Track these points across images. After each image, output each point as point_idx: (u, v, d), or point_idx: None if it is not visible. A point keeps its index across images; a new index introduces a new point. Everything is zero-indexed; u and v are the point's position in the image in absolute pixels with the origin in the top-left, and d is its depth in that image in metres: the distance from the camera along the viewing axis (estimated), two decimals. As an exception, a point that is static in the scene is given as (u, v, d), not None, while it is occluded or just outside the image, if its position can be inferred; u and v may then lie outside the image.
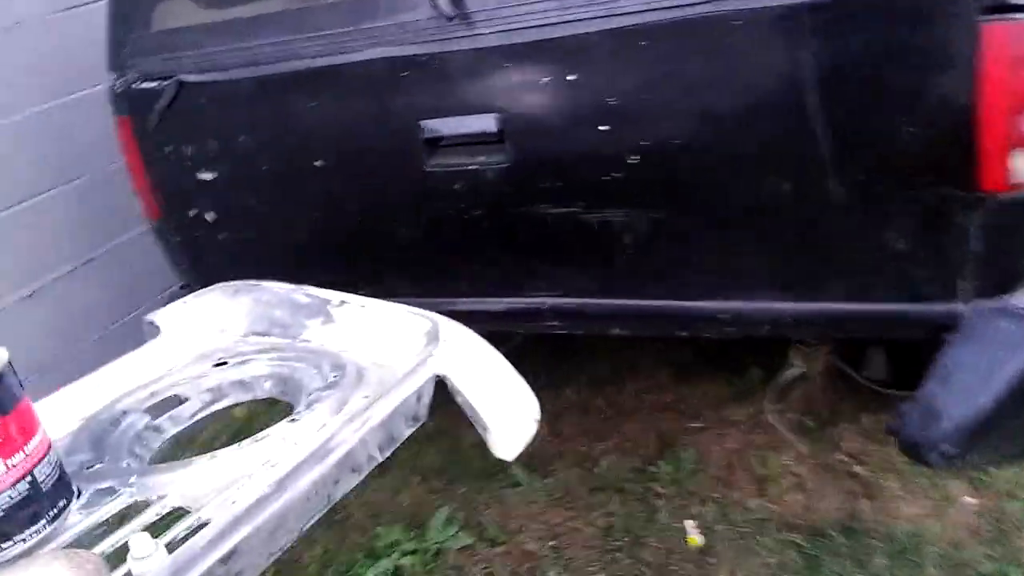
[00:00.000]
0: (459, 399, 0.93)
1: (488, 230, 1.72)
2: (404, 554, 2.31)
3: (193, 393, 1.09)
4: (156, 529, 0.80)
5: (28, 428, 0.78)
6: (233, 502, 0.80)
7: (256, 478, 0.83)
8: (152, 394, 1.07)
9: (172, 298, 2.30)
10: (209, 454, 0.87)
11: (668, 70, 1.52)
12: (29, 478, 0.77)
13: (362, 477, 0.83)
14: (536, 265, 1.73)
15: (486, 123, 1.60)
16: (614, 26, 1.52)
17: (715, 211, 1.58)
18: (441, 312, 1.86)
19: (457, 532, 2.35)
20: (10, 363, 0.80)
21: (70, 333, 2.72)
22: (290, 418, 0.92)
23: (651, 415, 2.64)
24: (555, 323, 1.75)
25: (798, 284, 1.58)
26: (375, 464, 0.85)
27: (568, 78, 1.56)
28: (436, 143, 1.67)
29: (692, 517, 2.22)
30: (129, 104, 1.98)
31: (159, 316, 1.19)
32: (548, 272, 1.72)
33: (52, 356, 2.70)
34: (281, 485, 0.77)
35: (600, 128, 1.55)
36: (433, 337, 1.00)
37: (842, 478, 2.22)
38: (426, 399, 0.91)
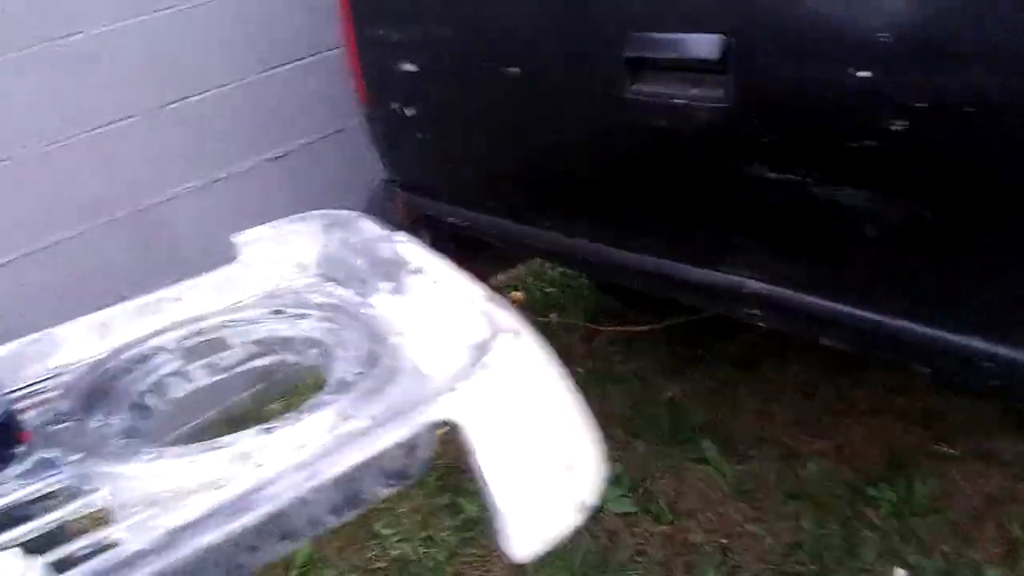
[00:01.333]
0: (471, 460, 0.67)
1: (687, 183, 1.36)
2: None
3: (239, 341, 0.94)
4: (62, 534, 0.67)
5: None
6: (152, 529, 0.64)
7: (193, 502, 0.66)
8: (197, 332, 0.94)
9: (373, 193, 2.24)
10: (158, 450, 0.72)
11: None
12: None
13: (299, 544, 0.62)
14: (740, 238, 1.35)
15: (706, 45, 1.22)
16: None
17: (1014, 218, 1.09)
18: (624, 272, 1.60)
19: (623, 495, 2.13)
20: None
21: (311, 197, 2.79)
22: (267, 426, 0.73)
23: (891, 423, 2.16)
24: (755, 312, 1.38)
25: None
26: (324, 529, 0.63)
27: (825, -3, 1.13)
28: (642, 64, 1.32)
29: (907, 566, 1.79)
30: (348, -22, 1.85)
31: (241, 238, 1.05)
32: (754, 249, 1.34)
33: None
34: (172, 540, 0.59)
35: (858, 74, 1.11)
36: (478, 356, 0.74)
37: None
38: (424, 453, 0.67)
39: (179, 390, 0.90)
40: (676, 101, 1.30)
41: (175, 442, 0.79)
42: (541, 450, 0.69)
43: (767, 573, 1.88)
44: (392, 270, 0.94)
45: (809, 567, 1.85)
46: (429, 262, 0.93)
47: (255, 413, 2.56)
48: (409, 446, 0.66)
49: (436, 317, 0.85)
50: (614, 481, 2.15)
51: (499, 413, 0.69)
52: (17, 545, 0.62)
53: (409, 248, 0.96)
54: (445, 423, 0.68)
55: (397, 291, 0.91)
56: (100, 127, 2.44)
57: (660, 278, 1.48)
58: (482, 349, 0.75)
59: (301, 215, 1.09)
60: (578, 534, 2.16)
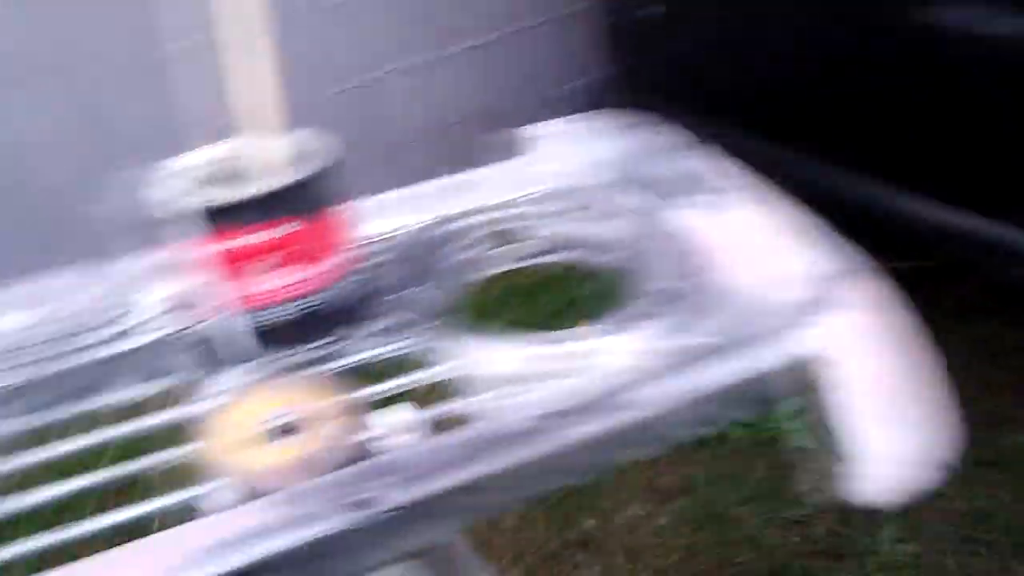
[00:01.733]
0: (825, 401, 0.66)
1: (984, 127, 1.24)
2: (738, 424, 2.13)
3: (528, 234, 0.95)
4: (413, 397, 0.71)
5: (323, 244, 0.71)
6: (514, 409, 0.66)
7: (546, 391, 0.68)
8: (491, 221, 0.96)
9: (587, 90, 2.14)
10: (499, 333, 0.74)
11: None
12: (309, 300, 0.71)
13: (650, 454, 0.64)
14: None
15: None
16: None
17: None
18: (887, 214, 1.49)
19: (799, 427, 2.10)
20: (330, 166, 0.71)
21: (516, 88, 2.76)
22: (609, 324, 0.73)
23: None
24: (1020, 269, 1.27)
25: None
26: (672, 443, 0.64)
27: None
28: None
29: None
30: None
31: (534, 130, 1.04)
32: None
33: (496, 106, 2.78)
34: (545, 425, 0.61)
35: None
36: (825, 291, 0.71)
37: None
38: (776, 385, 0.66)
39: (470, 276, 0.92)
40: (986, 33, 1.17)
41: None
42: (899, 399, 0.67)
43: (951, 536, 1.82)
44: (701, 183, 0.91)
45: (998, 537, 1.78)
46: (744, 180, 0.89)
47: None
48: (767, 377, 0.65)
49: (761, 241, 0.82)
50: (796, 413, 2.12)
51: (859, 354, 0.67)
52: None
53: (720, 162, 0.92)
54: (799, 357, 0.67)
55: (710, 206, 0.89)
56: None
57: (925, 222, 1.39)
58: (829, 284, 0.72)
59: (594, 112, 1.07)
60: (753, 456, 2.16)
